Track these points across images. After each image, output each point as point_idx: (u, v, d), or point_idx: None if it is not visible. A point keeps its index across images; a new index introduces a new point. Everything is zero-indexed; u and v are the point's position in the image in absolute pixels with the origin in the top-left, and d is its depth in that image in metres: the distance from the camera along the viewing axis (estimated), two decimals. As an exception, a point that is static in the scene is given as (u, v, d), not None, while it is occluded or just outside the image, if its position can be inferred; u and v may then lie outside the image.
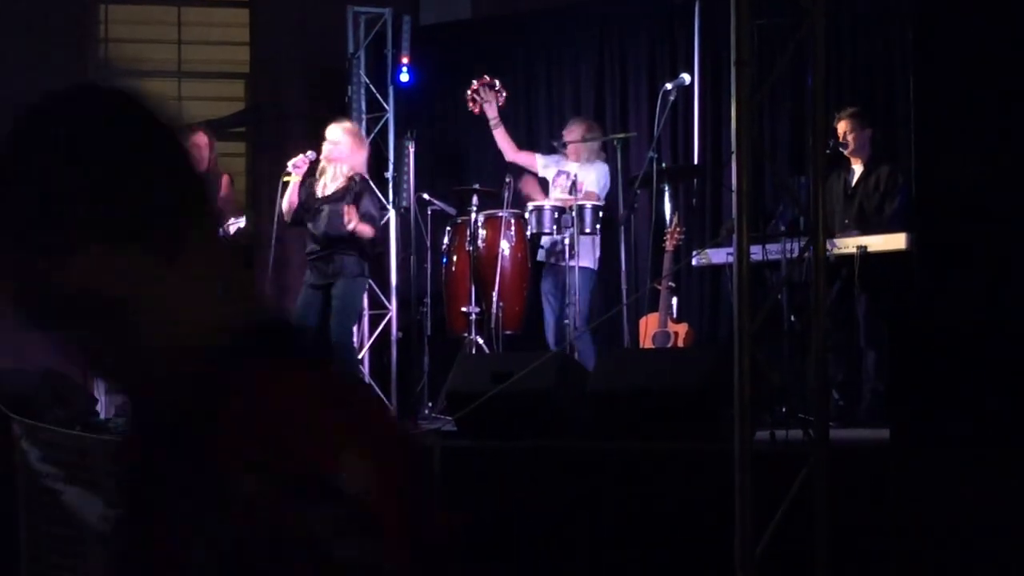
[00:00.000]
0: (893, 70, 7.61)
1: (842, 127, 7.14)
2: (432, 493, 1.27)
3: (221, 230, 7.50)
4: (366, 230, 7.45)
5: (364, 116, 9.40)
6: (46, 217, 1.18)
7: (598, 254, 7.90)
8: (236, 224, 7.67)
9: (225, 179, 7.98)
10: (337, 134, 7.60)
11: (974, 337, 4.41)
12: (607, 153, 8.21)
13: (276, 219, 7.74)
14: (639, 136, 8.74)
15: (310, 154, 7.57)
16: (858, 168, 7.20)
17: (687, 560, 4.87)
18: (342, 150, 7.57)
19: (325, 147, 7.57)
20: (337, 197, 7.50)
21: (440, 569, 1.23)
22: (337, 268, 7.44)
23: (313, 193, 7.58)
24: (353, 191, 7.52)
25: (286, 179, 7.53)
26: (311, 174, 7.62)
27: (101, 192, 1.19)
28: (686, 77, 7.65)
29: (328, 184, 7.60)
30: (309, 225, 7.55)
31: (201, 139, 7.96)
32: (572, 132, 8.06)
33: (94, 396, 7.86)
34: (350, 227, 7.32)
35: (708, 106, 8.43)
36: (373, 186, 7.82)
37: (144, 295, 1.20)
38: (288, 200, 7.54)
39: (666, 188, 7.70)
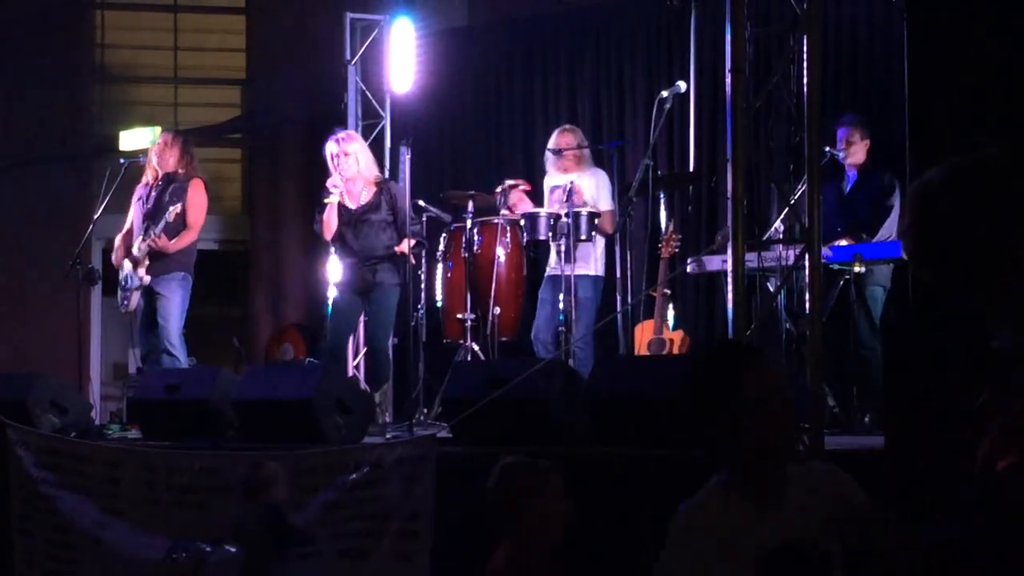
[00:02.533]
0: (889, 77, 7.62)
1: (841, 133, 7.16)
2: None
3: (163, 220, 7.51)
4: (411, 244, 7.45)
5: (360, 123, 9.40)
6: None
7: (602, 261, 7.88)
8: (175, 210, 7.65)
9: (197, 182, 7.94)
10: (348, 147, 7.56)
11: (971, 345, 4.41)
12: (600, 160, 8.21)
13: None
14: (635, 143, 8.74)
15: (340, 172, 7.48)
16: (852, 176, 7.22)
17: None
18: (358, 163, 7.54)
19: (340, 161, 7.50)
20: (373, 206, 7.49)
21: None
22: (380, 278, 7.45)
23: (344, 206, 7.54)
24: (386, 198, 7.52)
25: (327, 201, 7.46)
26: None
27: None
28: (682, 84, 7.65)
29: (355, 194, 7.56)
30: (348, 236, 7.51)
31: (165, 138, 7.96)
32: (565, 141, 8.04)
33: (89, 402, 7.85)
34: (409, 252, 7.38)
35: (704, 113, 8.44)
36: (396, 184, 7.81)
37: None
38: (329, 219, 7.47)
39: (662, 195, 7.70)
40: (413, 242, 7.46)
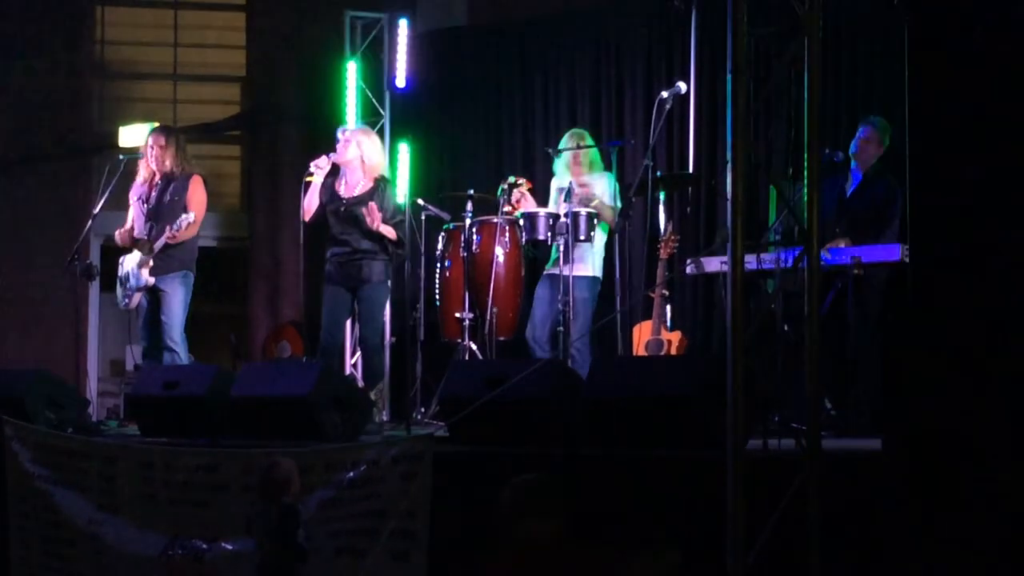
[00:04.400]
0: (890, 79, 7.63)
1: (862, 132, 7.13)
2: None
3: (175, 225, 7.51)
4: (391, 232, 7.43)
5: (360, 121, 9.40)
6: None
7: (600, 263, 7.87)
8: (187, 219, 7.64)
9: (196, 179, 7.93)
10: (352, 135, 7.57)
11: (968, 348, 4.41)
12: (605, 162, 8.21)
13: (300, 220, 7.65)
14: (635, 144, 8.74)
15: (332, 155, 7.53)
16: (857, 177, 7.22)
17: (679, 568, 4.85)
18: (357, 150, 7.53)
19: (339, 145, 7.53)
20: (365, 199, 7.47)
21: None
22: (366, 274, 7.42)
23: (336, 194, 7.54)
24: (379, 193, 7.49)
25: (308, 179, 7.49)
26: (332, 174, 7.59)
27: None
28: (682, 85, 7.65)
29: (352, 184, 7.56)
30: (333, 227, 7.51)
31: (158, 139, 7.94)
32: (571, 144, 8.02)
33: (87, 399, 7.84)
34: (374, 226, 7.31)
35: (704, 115, 8.44)
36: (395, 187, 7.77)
37: None
38: (309, 201, 7.50)
39: (661, 196, 7.70)
40: (394, 236, 7.41)
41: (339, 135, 7.63)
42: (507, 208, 7.96)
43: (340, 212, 7.48)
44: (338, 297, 7.49)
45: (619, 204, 7.81)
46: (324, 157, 7.51)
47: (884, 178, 7.10)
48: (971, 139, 4.46)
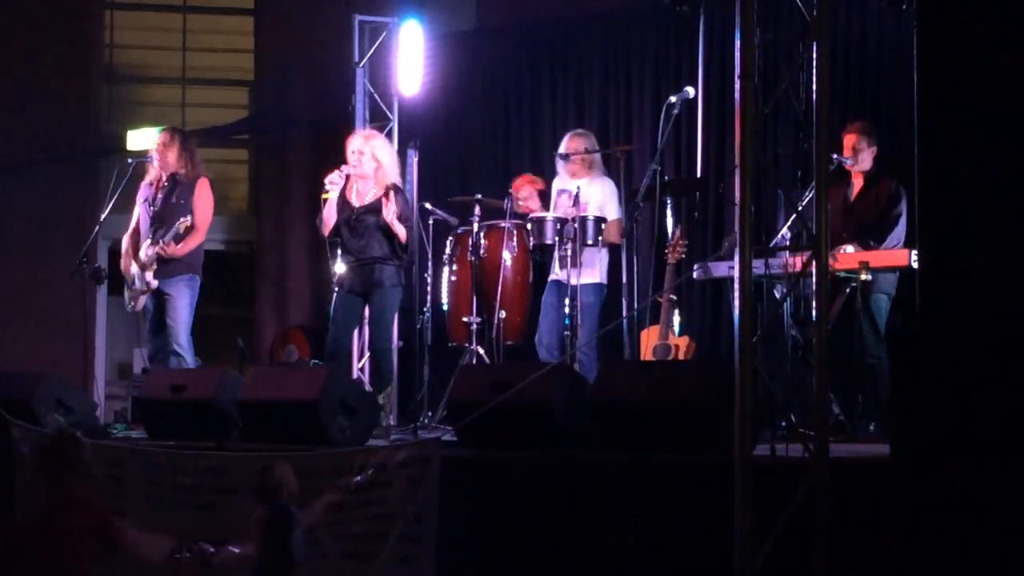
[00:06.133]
0: (898, 84, 7.62)
1: (849, 140, 7.16)
2: None
3: (174, 229, 7.47)
4: (401, 231, 7.39)
5: (368, 125, 9.41)
6: None
7: (606, 268, 7.85)
8: (184, 223, 7.63)
9: (203, 182, 7.91)
10: (369, 146, 7.55)
11: (976, 353, 4.41)
12: (607, 167, 8.20)
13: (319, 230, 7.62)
14: (643, 149, 8.73)
15: (345, 168, 7.50)
16: (858, 182, 7.23)
17: (686, 572, 4.86)
18: (373, 161, 7.50)
19: (353, 158, 7.50)
20: (375, 209, 7.40)
21: None
22: (377, 278, 7.38)
23: (348, 203, 7.52)
24: (390, 199, 7.45)
25: (325, 196, 7.46)
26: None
27: None
28: (690, 90, 7.64)
29: (363, 192, 7.54)
30: (346, 234, 7.49)
31: (166, 142, 7.92)
32: (575, 146, 8.02)
33: (94, 401, 7.85)
34: (388, 218, 7.27)
35: (712, 119, 8.42)
36: (406, 194, 7.72)
37: None
38: (328, 214, 7.46)
39: (669, 201, 7.69)
40: (403, 231, 7.35)
41: (358, 143, 7.56)
42: (519, 202, 7.94)
43: (351, 221, 7.46)
44: (348, 304, 7.48)
45: (621, 211, 7.81)
46: (337, 172, 7.46)
47: (885, 179, 7.12)
48: (980, 142, 4.46)
